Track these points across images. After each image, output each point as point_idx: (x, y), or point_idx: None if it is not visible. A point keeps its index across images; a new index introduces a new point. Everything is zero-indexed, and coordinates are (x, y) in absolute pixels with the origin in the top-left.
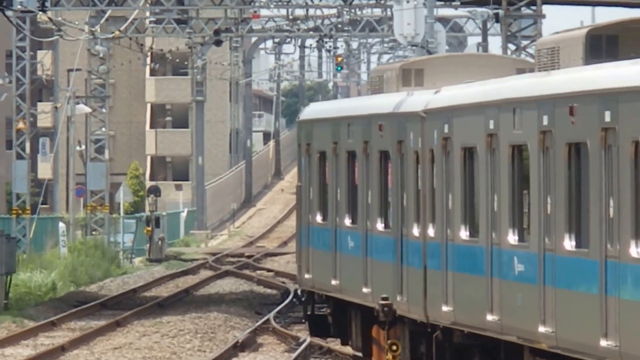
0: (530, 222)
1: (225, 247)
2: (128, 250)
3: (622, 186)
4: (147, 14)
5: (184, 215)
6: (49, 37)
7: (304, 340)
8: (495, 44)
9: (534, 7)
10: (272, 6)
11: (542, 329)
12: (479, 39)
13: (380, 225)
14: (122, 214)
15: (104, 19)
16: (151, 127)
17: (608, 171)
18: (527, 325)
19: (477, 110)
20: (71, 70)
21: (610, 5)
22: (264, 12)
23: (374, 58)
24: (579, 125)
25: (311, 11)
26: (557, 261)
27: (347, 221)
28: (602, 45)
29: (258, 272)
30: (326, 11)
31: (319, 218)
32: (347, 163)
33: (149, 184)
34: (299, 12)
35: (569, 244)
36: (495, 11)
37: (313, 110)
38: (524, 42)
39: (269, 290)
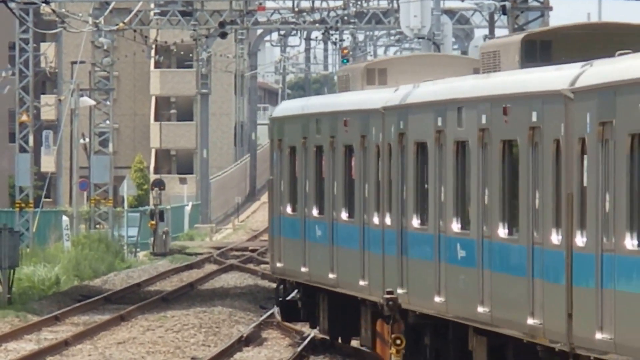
0: (471, 211)
1: (229, 241)
2: (132, 244)
3: (545, 180)
4: (152, 5)
5: (188, 208)
6: (52, 29)
7: (308, 335)
8: None
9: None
10: None
11: (480, 309)
12: (486, 31)
13: (344, 215)
14: (126, 207)
15: (108, 11)
16: (155, 120)
17: (535, 166)
18: (469, 306)
19: (428, 109)
20: (75, 62)
21: None
22: (269, 4)
23: (380, 50)
24: (511, 124)
25: (317, 3)
26: (493, 247)
27: (315, 211)
28: (537, 50)
29: (262, 266)
30: (332, 3)
31: (289, 209)
32: (315, 157)
33: (153, 177)
34: (305, 4)
35: (502, 231)
36: (502, 3)
37: (285, 108)
38: None
39: (273, 285)
